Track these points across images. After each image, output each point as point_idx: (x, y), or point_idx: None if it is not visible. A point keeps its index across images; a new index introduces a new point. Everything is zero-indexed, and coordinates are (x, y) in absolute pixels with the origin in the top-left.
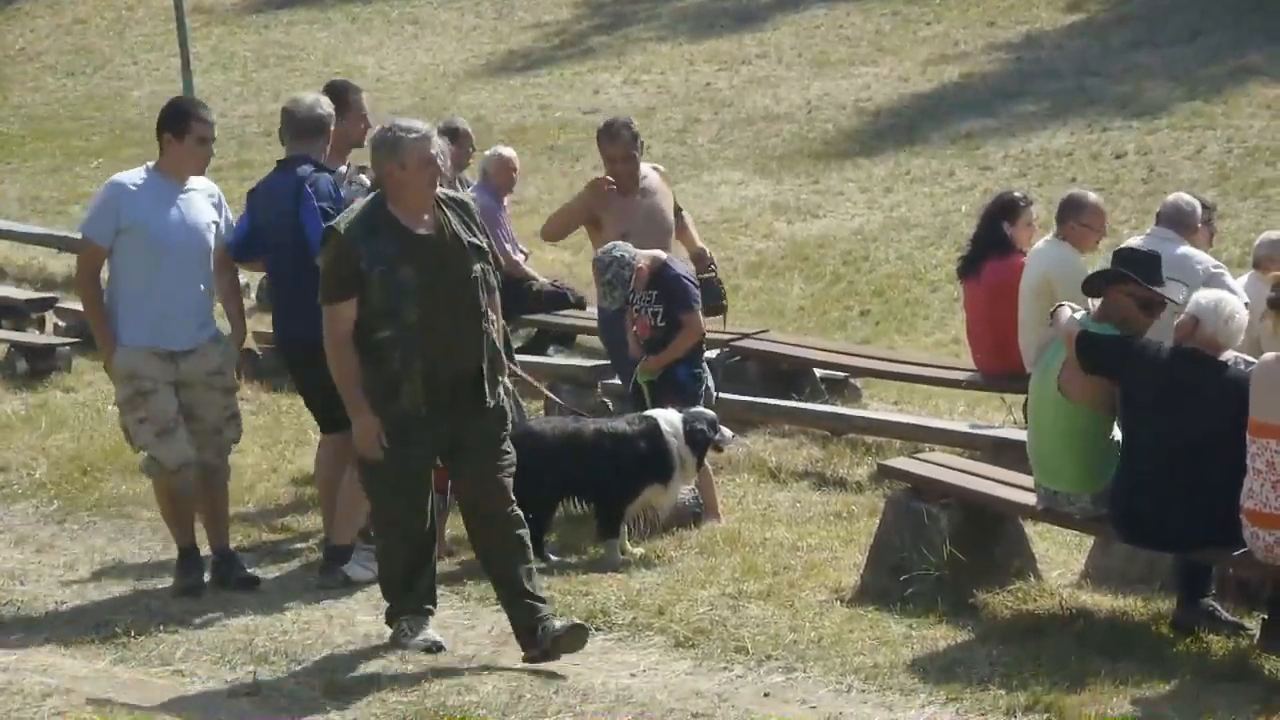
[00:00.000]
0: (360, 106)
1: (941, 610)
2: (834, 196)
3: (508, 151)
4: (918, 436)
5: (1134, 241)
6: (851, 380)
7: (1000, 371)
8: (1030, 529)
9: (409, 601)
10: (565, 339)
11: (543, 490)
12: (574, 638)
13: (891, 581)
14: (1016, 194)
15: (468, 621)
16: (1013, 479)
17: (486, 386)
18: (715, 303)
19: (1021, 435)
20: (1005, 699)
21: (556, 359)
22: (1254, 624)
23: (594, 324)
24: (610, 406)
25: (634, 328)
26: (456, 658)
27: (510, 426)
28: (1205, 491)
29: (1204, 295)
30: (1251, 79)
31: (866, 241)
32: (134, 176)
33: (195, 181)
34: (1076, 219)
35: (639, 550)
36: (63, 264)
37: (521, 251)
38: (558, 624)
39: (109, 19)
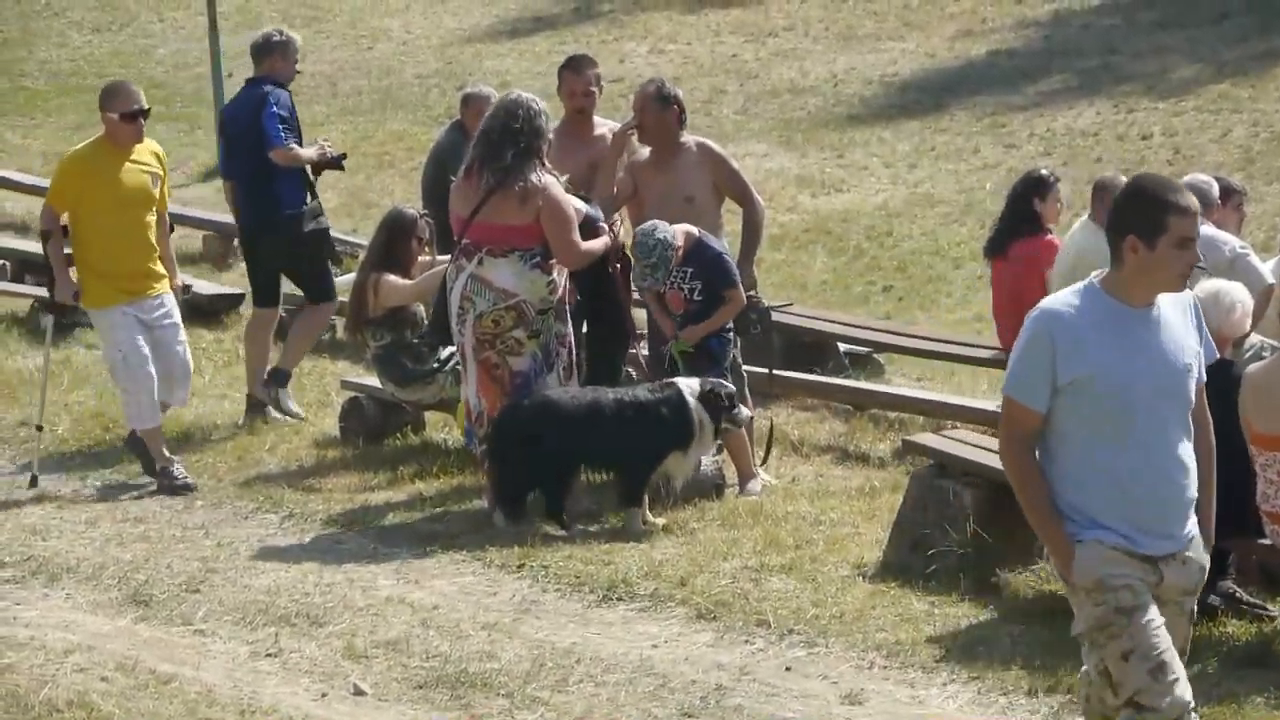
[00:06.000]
0: None
1: (964, 588)
2: (858, 171)
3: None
4: (943, 413)
5: None
6: (874, 355)
7: None
8: None
9: None
10: None
11: (563, 459)
12: None
13: (914, 558)
14: (1044, 171)
15: (490, 589)
16: None
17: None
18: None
19: None
20: (1027, 679)
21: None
22: (1277, 609)
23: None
24: (633, 375)
25: (664, 302)
26: (478, 624)
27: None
28: (1222, 478)
29: (1203, 288)
30: (1279, 63)
31: (890, 217)
32: (1071, 300)
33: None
34: None
35: (661, 520)
36: None
37: None
38: None
39: None
